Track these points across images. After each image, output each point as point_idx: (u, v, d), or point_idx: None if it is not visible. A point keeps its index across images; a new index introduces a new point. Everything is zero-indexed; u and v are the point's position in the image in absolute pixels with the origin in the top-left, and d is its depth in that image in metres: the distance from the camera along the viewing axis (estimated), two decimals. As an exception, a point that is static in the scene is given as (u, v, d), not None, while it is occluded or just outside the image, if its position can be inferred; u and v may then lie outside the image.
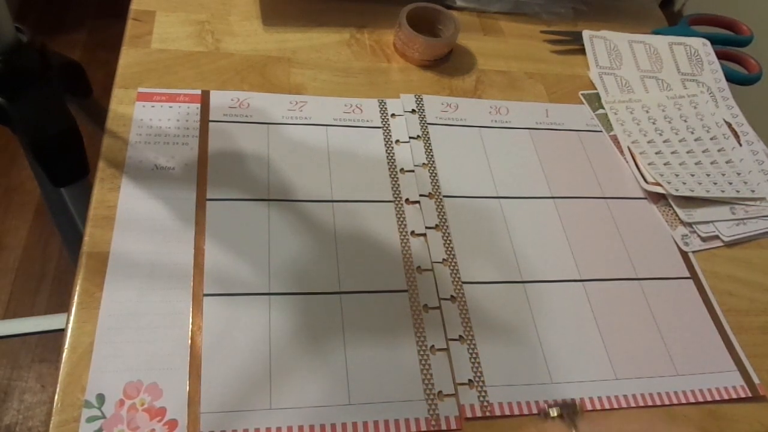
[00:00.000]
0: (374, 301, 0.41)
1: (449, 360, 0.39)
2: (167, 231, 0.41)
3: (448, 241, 0.45)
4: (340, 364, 0.38)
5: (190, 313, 0.38)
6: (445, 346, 0.40)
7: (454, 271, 0.43)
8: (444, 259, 0.44)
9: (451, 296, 0.42)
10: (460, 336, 0.40)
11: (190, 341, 0.37)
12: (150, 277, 0.39)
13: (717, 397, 0.41)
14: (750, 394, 0.42)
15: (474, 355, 0.40)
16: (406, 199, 0.46)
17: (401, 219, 0.45)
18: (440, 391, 0.38)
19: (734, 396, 0.41)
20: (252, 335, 0.38)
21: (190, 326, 0.37)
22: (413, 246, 0.44)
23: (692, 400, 0.41)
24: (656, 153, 0.54)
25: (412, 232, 0.45)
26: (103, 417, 0.33)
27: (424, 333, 0.40)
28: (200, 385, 0.35)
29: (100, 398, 0.34)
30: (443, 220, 0.46)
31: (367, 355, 0.38)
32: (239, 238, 0.42)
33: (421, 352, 0.39)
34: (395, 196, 0.46)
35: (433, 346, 0.40)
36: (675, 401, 0.40)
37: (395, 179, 0.47)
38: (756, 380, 0.42)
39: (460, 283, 0.43)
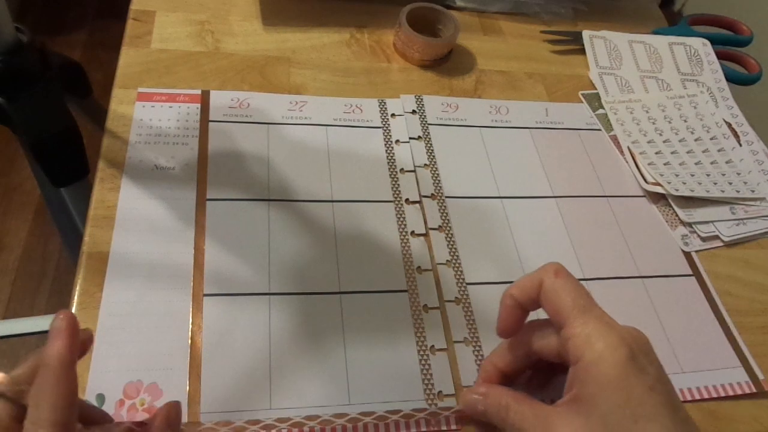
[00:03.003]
0: (374, 301, 0.41)
1: (451, 362, 0.39)
2: (167, 231, 0.41)
3: (451, 242, 0.45)
4: (339, 364, 0.38)
5: (190, 313, 0.38)
6: (445, 347, 0.40)
7: (458, 273, 0.43)
8: (447, 260, 0.44)
9: (456, 298, 0.42)
10: (465, 338, 0.40)
11: (190, 341, 0.37)
12: (150, 277, 0.39)
13: (722, 394, 0.41)
14: (755, 390, 0.42)
15: (480, 357, 0.40)
16: (406, 199, 0.46)
17: (401, 219, 0.45)
18: (440, 392, 0.38)
19: (739, 392, 0.41)
20: (252, 335, 0.38)
21: (190, 326, 0.37)
22: (413, 246, 0.44)
23: (697, 397, 0.41)
24: (656, 153, 0.54)
25: (412, 232, 0.45)
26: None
27: (424, 333, 0.40)
28: (200, 385, 0.35)
29: (100, 398, 0.34)
30: (446, 221, 0.46)
31: (367, 355, 0.38)
32: (239, 238, 0.42)
33: (421, 352, 0.39)
34: (395, 196, 0.46)
35: (433, 346, 0.40)
36: (680, 399, 0.40)
37: (395, 179, 0.47)
38: (760, 376, 0.42)
39: (464, 284, 0.43)
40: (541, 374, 0.34)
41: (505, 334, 0.33)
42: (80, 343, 0.29)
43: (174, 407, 0.31)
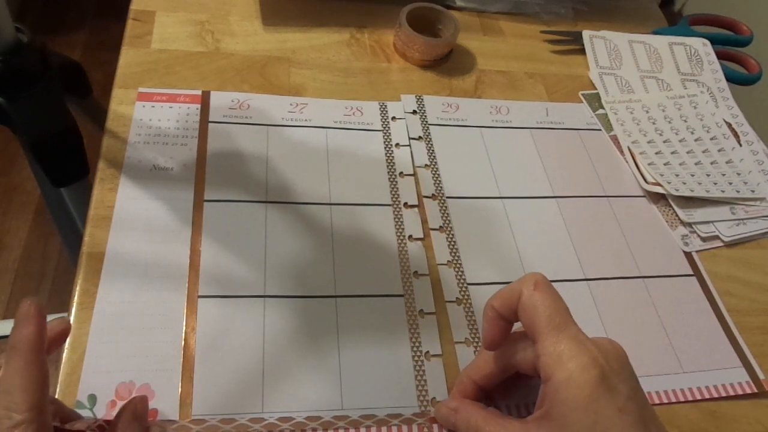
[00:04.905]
0: (370, 305, 0.40)
1: (451, 363, 0.39)
2: (164, 231, 0.41)
3: (452, 243, 0.45)
4: (333, 369, 0.37)
5: (185, 314, 0.38)
6: (440, 353, 0.39)
7: (459, 273, 0.43)
8: (449, 261, 0.44)
9: (457, 298, 0.42)
10: (466, 338, 0.40)
11: (183, 343, 0.37)
12: (145, 278, 0.38)
13: (723, 393, 0.41)
14: (755, 390, 0.42)
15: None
16: (405, 203, 0.46)
17: (399, 223, 0.45)
18: (434, 398, 0.37)
19: (740, 392, 0.41)
20: (246, 338, 0.37)
21: (184, 328, 0.37)
22: (411, 250, 0.44)
23: (698, 396, 0.40)
24: (656, 153, 0.54)
25: (410, 237, 0.44)
26: (95, 418, 0.33)
27: (420, 339, 0.40)
28: (192, 387, 0.35)
29: (92, 399, 0.34)
30: (447, 222, 0.46)
31: (362, 360, 0.38)
32: (236, 240, 0.41)
33: (416, 358, 0.39)
34: (394, 199, 0.46)
35: (428, 352, 0.39)
36: (681, 398, 0.40)
37: (394, 183, 0.47)
38: (761, 375, 0.42)
39: (465, 284, 0.43)
40: (511, 378, 0.34)
41: (492, 346, 0.33)
42: (59, 332, 0.29)
43: (141, 400, 0.31)
